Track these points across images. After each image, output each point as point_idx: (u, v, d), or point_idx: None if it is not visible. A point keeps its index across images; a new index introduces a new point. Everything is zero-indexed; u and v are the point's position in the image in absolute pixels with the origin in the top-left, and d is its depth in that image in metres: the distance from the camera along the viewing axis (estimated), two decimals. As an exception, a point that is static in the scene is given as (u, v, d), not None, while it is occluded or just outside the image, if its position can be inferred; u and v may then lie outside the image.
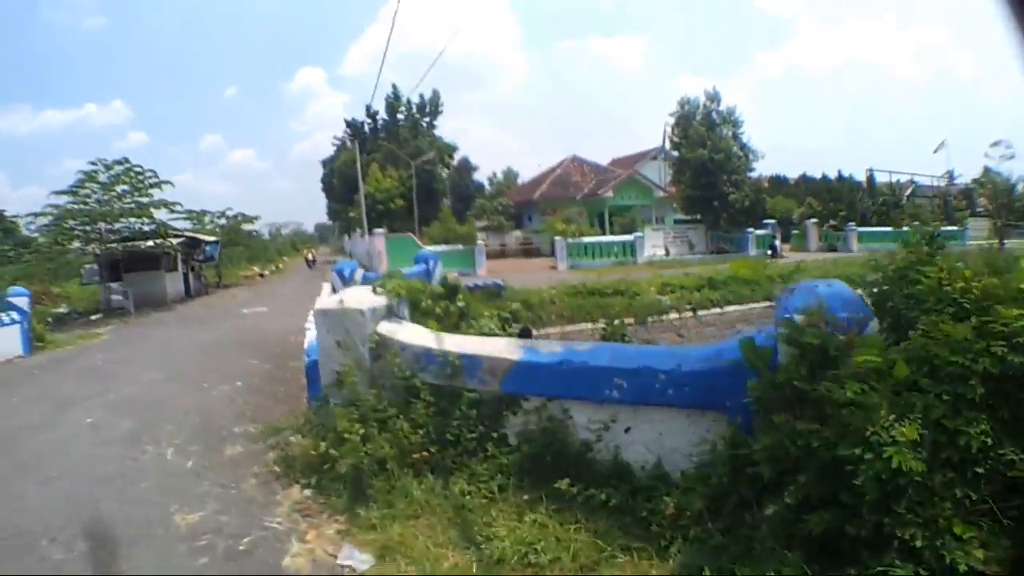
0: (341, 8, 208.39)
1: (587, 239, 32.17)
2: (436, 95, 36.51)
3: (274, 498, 5.13)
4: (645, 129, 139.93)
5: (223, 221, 25.47)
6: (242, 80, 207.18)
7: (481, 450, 4.99)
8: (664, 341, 16.36)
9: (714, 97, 38.50)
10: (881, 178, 49.72)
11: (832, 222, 44.18)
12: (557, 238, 30.99)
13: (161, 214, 20.99)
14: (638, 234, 33.95)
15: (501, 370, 5.06)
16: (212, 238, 27.07)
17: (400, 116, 36.24)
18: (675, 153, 41.44)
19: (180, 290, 24.31)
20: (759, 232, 38.58)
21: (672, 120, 40.58)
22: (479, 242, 29.41)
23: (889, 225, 45.15)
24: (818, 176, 50.03)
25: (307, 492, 5.19)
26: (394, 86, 36.91)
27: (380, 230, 28.33)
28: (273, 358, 11.39)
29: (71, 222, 19.46)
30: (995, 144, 54.28)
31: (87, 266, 23.54)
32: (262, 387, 9.40)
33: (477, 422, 5.15)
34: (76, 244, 20.59)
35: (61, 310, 20.52)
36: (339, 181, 43.27)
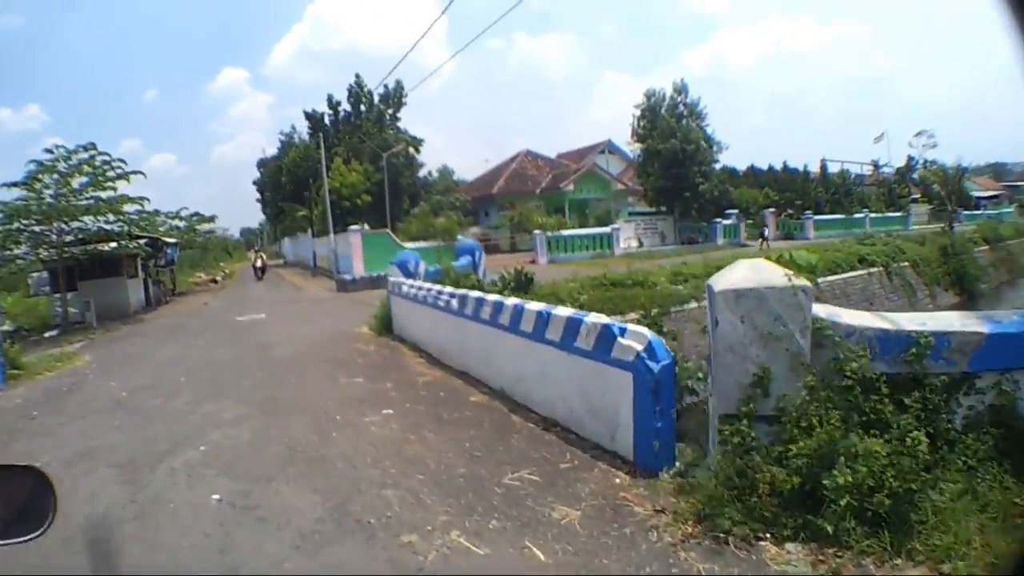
0: (265, 6, 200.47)
1: (566, 232, 31.23)
2: (399, 86, 34.66)
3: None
4: (572, 125, 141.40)
5: (178, 222, 22.89)
6: (162, 82, 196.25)
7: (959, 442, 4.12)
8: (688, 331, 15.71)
9: (681, 89, 38.41)
10: (832, 168, 51.16)
11: (789, 211, 44.96)
12: (537, 232, 29.93)
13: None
14: (615, 226, 33.29)
15: (971, 346, 4.29)
16: (172, 240, 24.38)
17: (362, 108, 34.11)
18: (638, 146, 41.14)
19: (141, 299, 21.80)
20: (726, 222, 38.71)
21: (638, 112, 40.22)
22: (460, 237, 27.90)
23: (840, 212, 46.47)
24: (764, 167, 51.05)
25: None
26: (358, 76, 34.84)
27: (356, 227, 26.36)
28: (377, 373, 9.23)
29: (21, 221, 16.66)
30: (919, 134, 57.23)
31: (35, 274, 20.66)
32: (448, 415, 6.88)
33: (936, 411, 4.25)
34: (23, 248, 17.63)
35: (6, 327, 17.68)
36: (288, 179, 40.63)
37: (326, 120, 35.17)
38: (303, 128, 39.68)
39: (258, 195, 70.07)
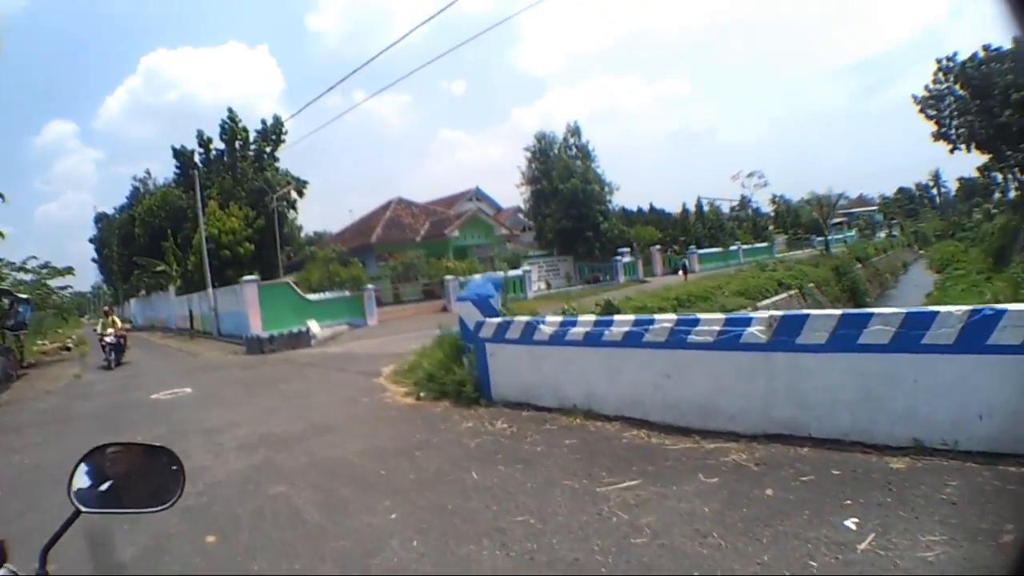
0: (98, 57, 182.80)
1: (477, 276, 28.98)
2: (278, 121, 30.89)
3: None
4: (410, 180, 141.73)
5: (24, 275, 17.79)
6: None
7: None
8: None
9: (575, 131, 38.08)
10: (702, 205, 53.42)
11: (674, 247, 45.97)
12: (448, 278, 27.50)
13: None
14: (526, 268, 31.64)
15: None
16: (25, 296, 18.90)
17: (238, 144, 29.96)
18: (527, 188, 40.25)
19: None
20: (626, 260, 38.52)
21: (529, 155, 39.40)
22: (369, 287, 24.81)
23: (717, 246, 48.44)
24: (634, 209, 52.34)
25: None
26: (230, 110, 30.67)
27: (251, 278, 22.54)
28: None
29: None
30: (750, 175, 62.00)
31: None
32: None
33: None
34: None
35: None
36: (143, 231, 35.12)
37: (196, 159, 30.58)
38: (159, 174, 34.41)
39: (95, 254, 61.36)
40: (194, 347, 22.45)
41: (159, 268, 33.89)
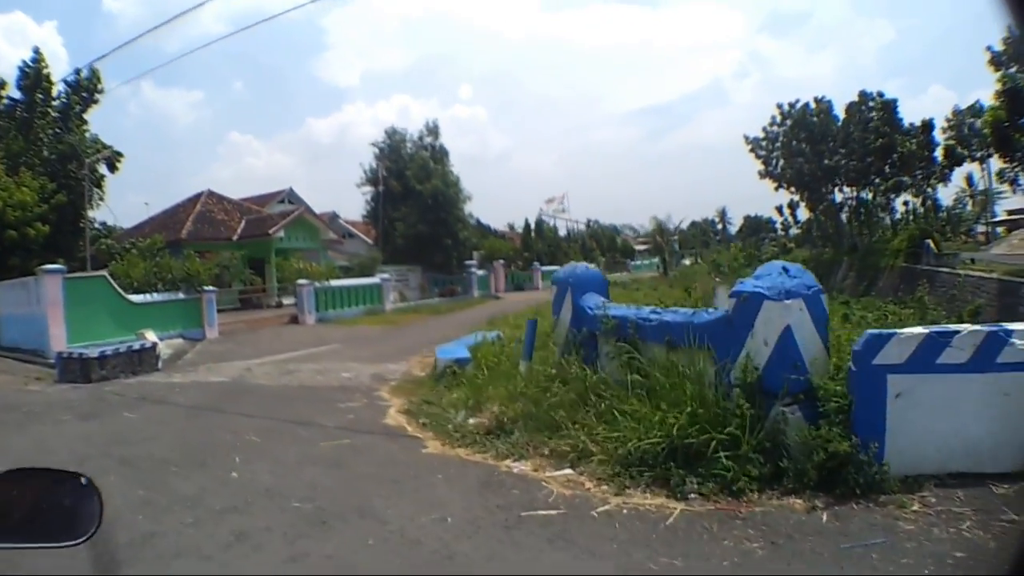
0: None
1: (335, 283, 25.62)
2: (94, 73, 24.45)
3: None
4: (191, 180, 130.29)
5: None
6: None
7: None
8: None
9: (433, 130, 35.91)
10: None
11: (519, 262, 45.62)
12: (303, 283, 23.74)
13: None
14: (384, 277, 28.74)
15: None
16: None
17: (38, 96, 23.16)
18: (368, 189, 37.41)
19: None
20: (480, 273, 36.99)
21: (376, 151, 36.57)
22: (210, 289, 20.47)
23: (555, 263, 49.13)
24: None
25: None
26: (37, 50, 23.61)
27: (55, 267, 17.27)
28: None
29: None
30: (550, 200, 64.80)
31: None
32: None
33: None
34: None
35: None
36: None
37: None
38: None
39: None
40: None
41: None
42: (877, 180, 36.70)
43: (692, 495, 4.98)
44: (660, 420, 5.61)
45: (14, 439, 8.16)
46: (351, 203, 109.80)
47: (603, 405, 6.65)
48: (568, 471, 5.83)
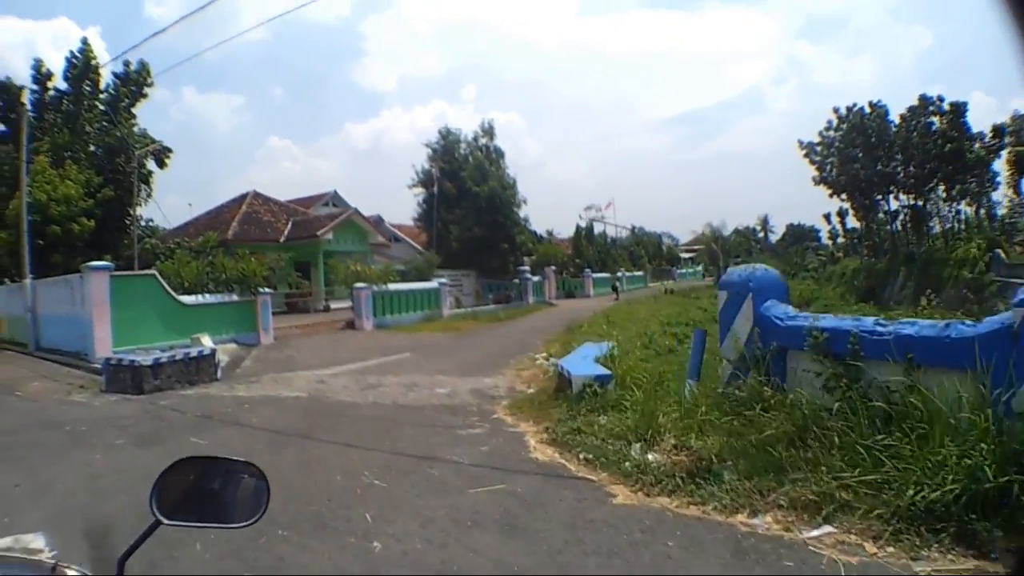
0: None
1: (392, 286, 23.81)
2: (144, 66, 23.12)
3: None
4: (230, 185, 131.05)
5: None
6: None
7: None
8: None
9: (489, 131, 34.10)
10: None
11: (570, 269, 43.73)
12: (361, 286, 22.00)
13: None
14: (442, 281, 26.92)
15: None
16: None
17: (86, 87, 21.83)
18: (420, 191, 35.71)
19: None
20: (535, 279, 35.00)
21: (430, 152, 34.91)
22: (266, 291, 18.84)
23: (605, 271, 47.22)
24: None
25: None
26: (84, 40, 22.34)
27: (101, 264, 15.71)
28: None
29: None
30: (588, 208, 62.69)
31: None
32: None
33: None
34: None
35: None
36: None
37: (25, 100, 21.55)
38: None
39: None
40: (-5, 374, 14.44)
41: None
42: (941, 187, 34.32)
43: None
44: (942, 460, 4.27)
45: (56, 469, 6.33)
46: (392, 207, 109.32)
47: (836, 439, 5.08)
48: (828, 528, 4.26)
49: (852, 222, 56.74)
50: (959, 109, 31.79)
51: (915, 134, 32.83)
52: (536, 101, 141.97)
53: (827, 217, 67.10)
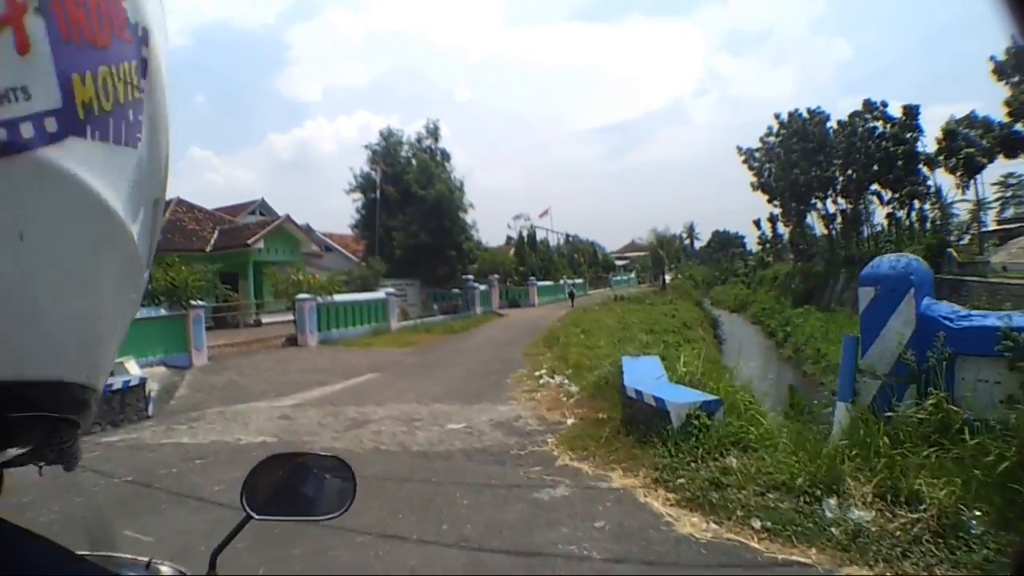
0: None
1: (339, 298, 21.65)
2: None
3: None
4: None
5: None
6: None
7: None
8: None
9: (434, 132, 32.22)
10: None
11: (514, 277, 42.43)
12: (304, 297, 19.79)
13: None
14: (389, 291, 24.93)
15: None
16: None
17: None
18: (357, 196, 33.49)
19: None
20: (482, 288, 33.35)
21: (370, 154, 32.78)
22: (199, 303, 16.45)
23: (548, 279, 46.34)
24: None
25: None
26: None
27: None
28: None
29: None
30: (517, 217, 62.00)
31: None
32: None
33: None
34: None
35: None
36: None
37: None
38: None
39: None
40: None
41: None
42: (882, 191, 35.22)
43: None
44: None
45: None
46: (319, 216, 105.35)
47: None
48: None
49: (781, 228, 57.89)
50: (912, 111, 32.39)
51: (857, 139, 33.31)
52: (464, 111, 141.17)
53: (757, 223, 68.43)
